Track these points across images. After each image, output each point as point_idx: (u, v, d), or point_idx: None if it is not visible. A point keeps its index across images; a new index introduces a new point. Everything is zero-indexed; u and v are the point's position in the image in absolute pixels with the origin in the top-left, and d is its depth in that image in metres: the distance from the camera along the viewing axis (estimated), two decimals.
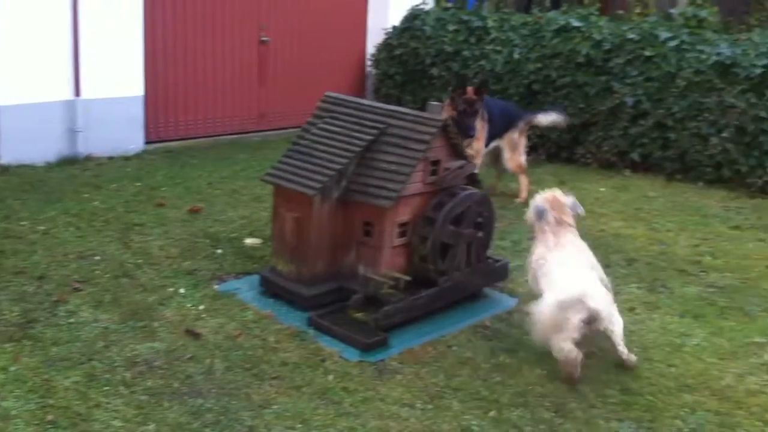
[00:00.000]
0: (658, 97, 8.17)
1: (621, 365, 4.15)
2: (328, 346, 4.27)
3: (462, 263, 4.79)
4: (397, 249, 4.60)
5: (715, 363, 4.29)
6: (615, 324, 4.08)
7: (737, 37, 8.36)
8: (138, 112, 8.35)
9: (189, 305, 4.68)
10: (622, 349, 4.12)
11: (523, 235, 6.06)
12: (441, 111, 4.71)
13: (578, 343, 3.94)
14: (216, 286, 4.98)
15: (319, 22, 10.05)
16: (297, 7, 9.79)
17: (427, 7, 10.61)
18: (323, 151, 4.71)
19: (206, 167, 7.88)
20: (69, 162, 7.70)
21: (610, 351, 4.16)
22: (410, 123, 4.62)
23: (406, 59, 10.11)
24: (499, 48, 9.29)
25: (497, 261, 5.12)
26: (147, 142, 8.51)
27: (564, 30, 8.93)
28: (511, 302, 4.99)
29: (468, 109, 6.56)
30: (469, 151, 6.65)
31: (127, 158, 8.04)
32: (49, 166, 7.55)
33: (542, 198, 4.57)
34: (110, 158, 7.96)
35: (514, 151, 7.25)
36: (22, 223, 5.87)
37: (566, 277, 4.16)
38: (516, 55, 9.04)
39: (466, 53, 9.53)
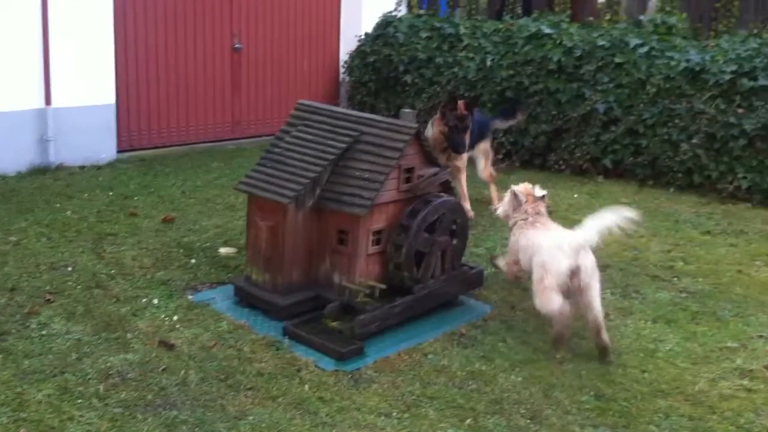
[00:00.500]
0: (628, 104, 8.23)
1: (598, 350, 4.33)
2: (304, 355, 4.26)
3: (437, 271, 4.80)
4: (372, 257, 4.61)
5: (688, 368, 4.33)
6: (595, 280, 4.33)
7: (706, 44, 8.47)
8: (110, 120, 8.28)
9: (163, 316, 4.65)
10: (600, 309, 4.31)
11: (497, 242, 6.09)
12: (414, 118, 4.72)
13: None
14: (190, 297, 4.95)
15: (293, 29, 10.05)
16: (270, 15, 9.78)
17: (400, 14, 10.63)
18: (297, 160, 4.70)
19: (180, 176, 7.83)
20: (40, 171, 7.63)
21: (586, 342, 4.20)
22: (384, 131, 4.63)
23: (380, 66, 10.10)
24: (471, 55, 9.32)
25: (472, 268, 5.13)
26: (119, 151, 8.45)
27: (535, 37, 8.98)
28: (486, 309, 5.00)
29: (459, 124, 6.41)
30: (458, 164, 6.65)
31: (99, 167, 7.97)
32: (20, 176, 7.47)
33: (517, 188, 4.95)
34: (82, 167, 7.89)
35: (488, 160, 7.27)
36: None
37: (557, 236, 4.56)
38: (488, 62, 9.08)
39: (439, 60, 9.55)
